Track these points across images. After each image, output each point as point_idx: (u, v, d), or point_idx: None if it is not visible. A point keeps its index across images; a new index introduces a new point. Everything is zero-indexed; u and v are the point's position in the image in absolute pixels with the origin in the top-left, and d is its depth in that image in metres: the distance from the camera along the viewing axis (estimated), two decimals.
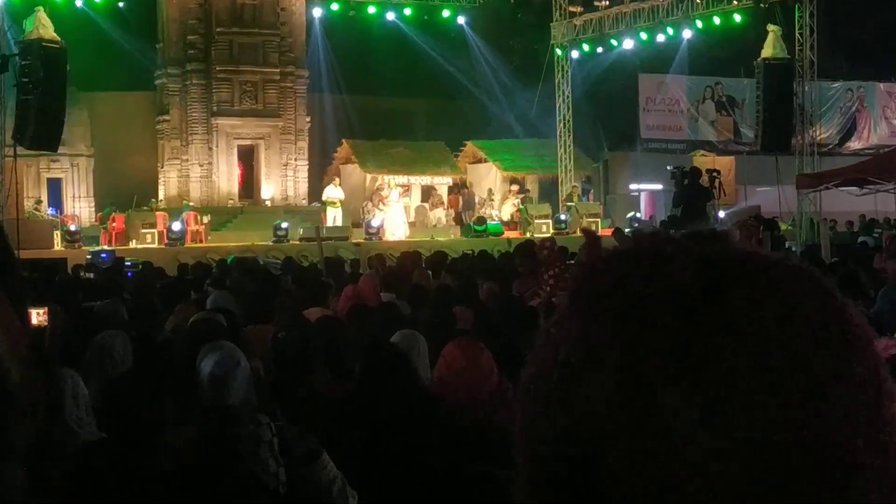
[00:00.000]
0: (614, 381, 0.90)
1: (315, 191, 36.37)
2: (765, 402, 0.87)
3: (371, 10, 36.69)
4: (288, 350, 6.44)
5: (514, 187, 38.99)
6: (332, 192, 34.19)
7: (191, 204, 34.69)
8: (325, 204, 34.10)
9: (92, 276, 17.70)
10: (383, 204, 36.03)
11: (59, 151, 30.40)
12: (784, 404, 0.87)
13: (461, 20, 38.62)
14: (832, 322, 0.92)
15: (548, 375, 0.95)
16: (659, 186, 38.78)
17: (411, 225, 36.82)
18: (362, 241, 30.64)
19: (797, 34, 30.27)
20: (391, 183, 35.36)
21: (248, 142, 36.77)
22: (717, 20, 33.57)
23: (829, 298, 0.94)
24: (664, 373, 0.88)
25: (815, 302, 0.93)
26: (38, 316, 6.05)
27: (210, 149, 36.31)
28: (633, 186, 41.60)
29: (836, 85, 42.84)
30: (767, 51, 29.88)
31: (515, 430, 0.99)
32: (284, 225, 30.72)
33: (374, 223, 33.00)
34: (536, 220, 34.81)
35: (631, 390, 0.89)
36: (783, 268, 0.95)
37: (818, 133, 35.07)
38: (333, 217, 33.24)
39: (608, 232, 34.65)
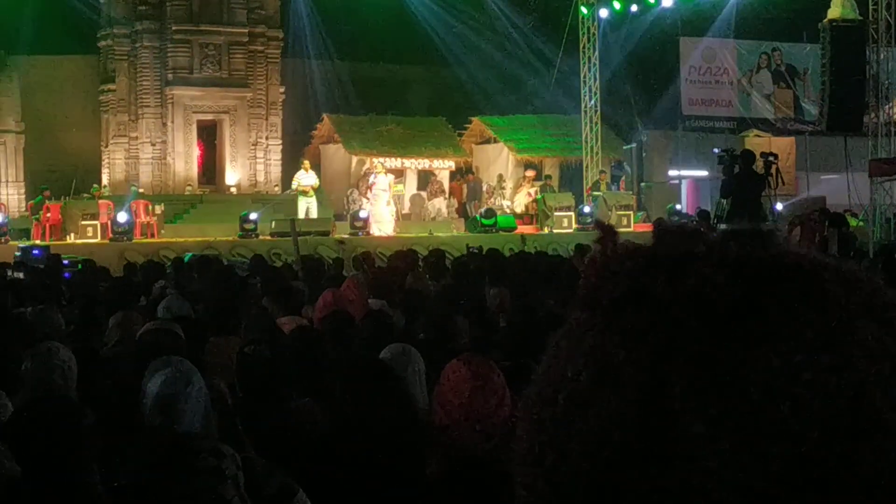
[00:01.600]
0: (633, 404, 0.91)
1: (290, 176, 36.35)
2: (806, 435, 0.88)
3: None
4: (257, 368, 6.44)
5: (530, 173, 38.95)
6: (304, 178, 34.14)
7: (140, 191, 34.67)
8: (296, 193, 34.12)
9: (22, 276, 17.69)
10: (371, 192, 36.04)
11: None
12: (830, 438, 0.88)
13: None
14: (893, 343, 0.92)
15: (554, 396, 0.96)
16: (704, 173, 38.81)
17: (405, 217, 36.81)
18: (347, 236, 30.64)
19: None
20: (379, 167, 35.35)
21: (209, 116, 36.78)
22: None
23: (891, 314, 0.94)
24: (690, 396, 0.89)
25: (873, 318, 0.93)
26: None
27: (164, 125, 36.32)
28: (672, 173, 41.60)
29: None
30: (835, 11, 29.88)
31: (515, 460, 1.01)
32: (253, 217, 30.72)
33: (362, 215, 33.00)
34: (556, 213, 34.76)
35: (652, 415, 0.90)
36: (836, 274, 0.95)
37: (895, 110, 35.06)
38: (306, 208, 33.21)
39: (647, 227, 34.74)
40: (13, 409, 5.12)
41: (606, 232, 1.03)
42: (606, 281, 0.97)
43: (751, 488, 0.87)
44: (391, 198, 34.80)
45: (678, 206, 36.76)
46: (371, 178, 34.74)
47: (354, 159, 37.86)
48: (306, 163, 35.21)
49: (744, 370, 0.89)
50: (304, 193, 33.72)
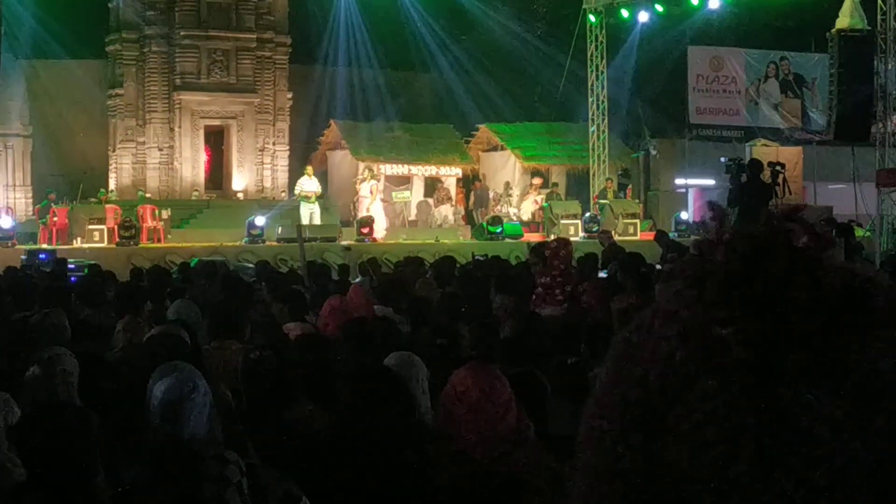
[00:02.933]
0: (738, 378, 0.97)
1: (297, 181, 36.35)
2: None
3: None
4: (262, 374, 6.44)
5: (537, 181, 38.97)
6: (306, 184, 34.19)
7: (147, 195, 34.71)
8: (297, 198, 34.16)
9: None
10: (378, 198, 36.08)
11: None
12: None
13: None
14: None
15: (643, 376, 1.01)
16: (710, 182, 38.75)
17: (412, 224, 36.83)
18: (353, 242, 30.64)
19: (879, 0, 30.23)
20: (366, 173, 35.30)
21: (217, 122, 36.82)
22: None
23: None
24: (801, 370, 0.97)
25: None
26: None
27: (172, 130, 36.36)
28: (679, 181, 41.57)
29: None
30: (843, 20, 29.85)
31: (581, 446, 1.06)
32: (258, 223, 30.73)
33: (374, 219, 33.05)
34: (563, 221, 34.76)
35: (762, 389, 0.96)
36: None
37: None
38: (309, 214, 33.22)
39: (653, 235, 34.73)
40: (19, 413, 5.11)
41: (717, 213, 1.10)
42: (722, 260, 1.03)
43: (864, 452, 0.95)
44: (385, 202, 34.91)
45: (684, 215, 36.69)
46: (357, 180, 34.85)
47: (361, 166, 37.82)
48: (309, 168, 35.20)
49: (854, 352, 0.97)
50: (307, 199, 33.72)
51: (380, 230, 32.92)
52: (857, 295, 1.00)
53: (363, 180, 34.98)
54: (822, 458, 0.94)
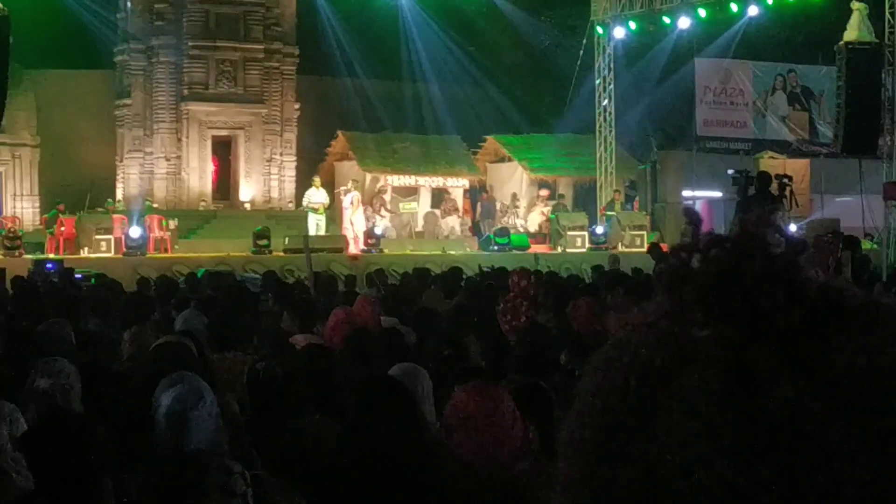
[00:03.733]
0: (717, 377, 0.99)
1: (304, 192, 36.37)
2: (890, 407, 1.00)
3: None
4: (267, 384, 6.43)
5: (544, 192, 38.98)
6: (314, 195, 34.30)
7: (155, 205, 34.74)
8: (306, 210, 34.19)
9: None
10: (385, 209, 36.09)
11: None
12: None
13: None
14: None
15: (624, 381, 1.03)
16: (718, 194, 38.70)
17: (419, 235, 36.83)
18: (360, 253, 30.66)
19: (887, 13, 30.24)
20: (350, 184, 35.21)
21: (224, 132, 36.85)
22: None
23: None
24: (779, 366, 1.00)
25: None
26: None
27: (179, 140, 36.39)
28: (686, 193, 41.48)
29: None
30: (851, 33, 29.84)
31: (563, 456, 1.08)
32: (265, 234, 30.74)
33: (376, 231, 33.03)
34: (569, 233, 34.78)
35: (741, 386, 0.99)
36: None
37: None
38: (316, 224, 33.28)
39: (661, 247, 34.69)
40: (24, 424, 5.11)
41: (693, 219, 1.13)
42: (697, 263, 1.06)
43: (844, 441, 0.97)
44: (392, 213, 34.98)
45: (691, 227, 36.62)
46: (342, 192, 34.86)
47: (369, 177, 37.84)
48: (317, 180, 35.30)
49: (831, 347, 1.00)
50: (315, 211, 33.81)
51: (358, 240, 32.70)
52: (834, 295, 1.03)
53: (346, 191, 34.99)
54: (802, 449, 0.97)
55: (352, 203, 34.46)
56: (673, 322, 1.03)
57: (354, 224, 33.80)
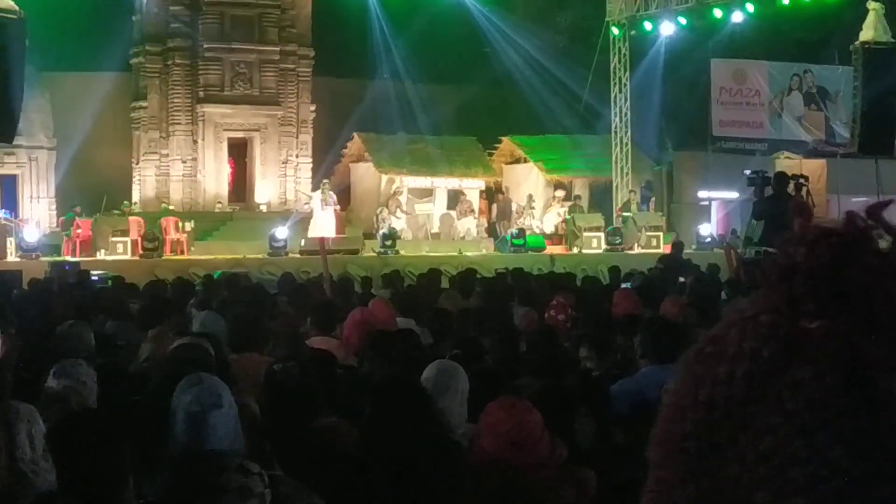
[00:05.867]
0: (833, 369, 1.01)
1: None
2: None
3: None
4: (285, 385, 6.43)
5: (560, 193, 38.96)
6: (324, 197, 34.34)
7: (171, 207, 34.81)
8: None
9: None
10: (401, 211, 36.10)
11: (14, 143, 30.50)
12: None
13: None
14: None
15: (729, 374, 1.04)
16: (734, 195, 38.67)
17: (435, 236, 36.83)
18: (376, 254, 30.68)
19: None
20: (323, 184, 35.02)
21: (240, 134, 36.90)
22: None
23: None
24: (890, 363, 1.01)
25: None
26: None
27: (195, 142, 36.46)
28: (702, 194, 41.50)
29: None
30: (867, 33, 29.80)
31: (659, 448, 1.09)
32: (281, 234, 30.77)
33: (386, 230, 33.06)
34: (585, 233, 34.80)
35: (854, 376, 1.00)
36: None
37: None
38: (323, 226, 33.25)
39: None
40: (42, 425, 5.12)
41: (804, 210, 1.14)
42: (808, 255, 1.06)
43: None
44: (408, 214, 35.16)
45: (707, 227, 36.62)
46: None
47: (384, 178, 37.86)
48: (326, 182, 35.09)
49: None
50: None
51: (324, 232, 32.17)
52: None
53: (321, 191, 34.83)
54: None
55: (322, 202, 34.07)
56: (780, 315, 1.04)
57: (319, 219, 33.52)
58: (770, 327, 1.04)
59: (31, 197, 36.01)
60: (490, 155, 40.51)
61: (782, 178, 24.09)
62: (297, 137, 37.49)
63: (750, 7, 34.99)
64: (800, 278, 1.04)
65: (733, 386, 1.03)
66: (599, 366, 8.72)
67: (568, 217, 36.88)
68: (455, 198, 38.93)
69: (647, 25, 37.49)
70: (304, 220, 33.83)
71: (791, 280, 1.05)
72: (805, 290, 1.04)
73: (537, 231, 36.24)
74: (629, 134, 38.11)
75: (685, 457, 1.05)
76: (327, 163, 38.59)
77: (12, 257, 28.78)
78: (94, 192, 34.51)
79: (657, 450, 1.09)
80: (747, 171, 27.66)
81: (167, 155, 36.61)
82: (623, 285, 16.67)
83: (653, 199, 39.54)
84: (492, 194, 39.93)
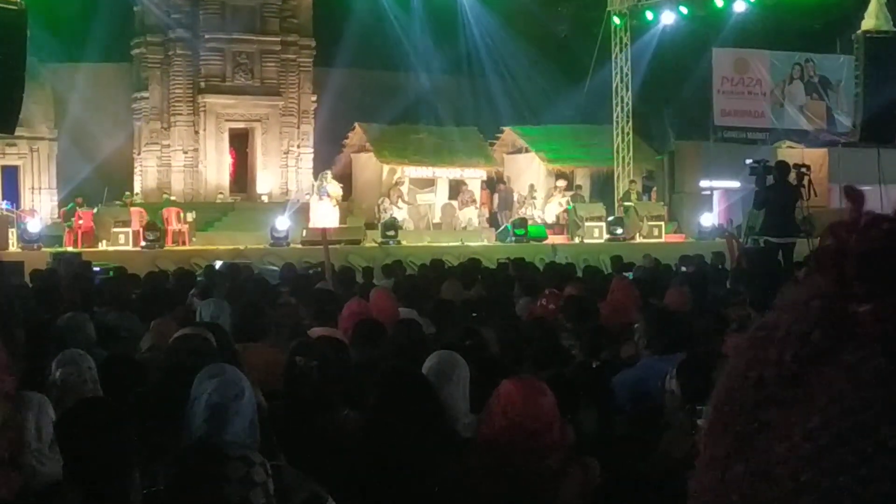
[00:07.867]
0: (884, 350, 1.01)
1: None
2: None
3: None
4: (306, 378, 6.43)
5: (561, 183, 38.96)
6: (330, 188, 34.32)
7: (172, 198, 34.82)
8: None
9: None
10: (402, 201, 36.09)
11: (15, 134, 30.48)
12: None
13: None
14: None
15: (778, 357, 1.06)
16: (735, 184, 38.63)
17: (436, 226, 36.84)
18: (377, 244, 30.69)
19: None
20: (322, 177, 35.05)
21: (241, 125, 36.91)
22: None
23: None
24: None
25: None
26: None
27: (196, 133, 36.46)
28: (703, 184, 41.48)
29: None
30: (869, 22, 29.76)
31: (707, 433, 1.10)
32: (282, 225, 30.77)
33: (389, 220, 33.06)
34: (587, 223, 34.78)
35: None
36: None
37: None
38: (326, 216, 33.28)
39: (678, 237, 34.70)
40: (52, 414, 5.14)
41: (856, 196, 1.13)
42: (860, 237, 1.07)
43: None
44: (410, 204, 35.09)
45: (709, 217, 36.61)
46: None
47: (386, 168, 37.87)
48: (328, 173, 35.14)
49: None
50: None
51: (324, 222, 32.41)
52: None
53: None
54: None
55: (323, 194, 34.14)
56: (830, 299, 1.05)
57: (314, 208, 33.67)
58: (821, 311, 1.06)
59: (33, 188, 36.00)
60: (491, 145, 40.50)
61: (784, 167, 24.08)
62: (298, 128, 37.50)
63: None
64: (851, 262, 1.06)
65: (783, 367, 1.05)
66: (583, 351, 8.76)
67: (569, 207, 36.86)
68: (457, 188, 38.93)
69: (649, 15, 37.51)
70: (306, 210, 33.84)
71: (842, 264, 1.07)
72: (855, 274, 1.05)
73: (539, 221, 36.22)
74: (630, 124, 38.09)
75: (735, 436, 1.08)
76: (328, 153, 38.61)
77: (14, 248, 28.82)
78: (95, 183, 34.51)
79: (709, 430, 1.11)
80: (749, 161, 27.69)
81: (168, 145, 36.63)
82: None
83: (654, 188, 39.56)
84: (493, 184, 39.92)
